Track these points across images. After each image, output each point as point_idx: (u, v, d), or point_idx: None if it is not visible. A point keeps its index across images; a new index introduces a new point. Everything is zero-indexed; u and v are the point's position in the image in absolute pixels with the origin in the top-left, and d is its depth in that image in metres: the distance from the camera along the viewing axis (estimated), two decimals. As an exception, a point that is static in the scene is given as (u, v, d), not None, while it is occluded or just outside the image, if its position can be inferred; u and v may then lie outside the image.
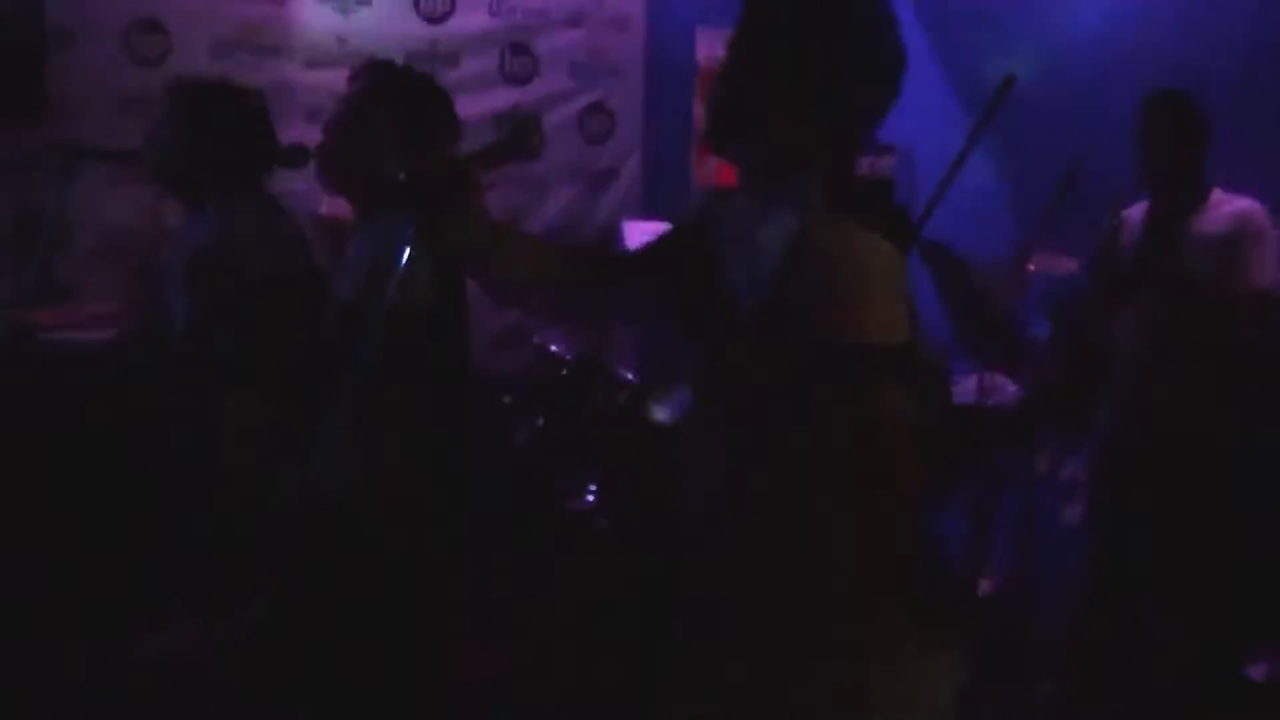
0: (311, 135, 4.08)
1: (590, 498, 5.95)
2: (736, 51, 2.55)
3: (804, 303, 2.39)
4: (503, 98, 7.61)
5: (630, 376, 5.84)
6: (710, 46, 7.98)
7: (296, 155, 4.18)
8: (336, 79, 4.14)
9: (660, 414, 5.56)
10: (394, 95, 3.94)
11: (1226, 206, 5.07)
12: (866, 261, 2.41)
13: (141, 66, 6.67)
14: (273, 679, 4.03)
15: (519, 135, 2.62)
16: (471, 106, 7.00)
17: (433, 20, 7.45)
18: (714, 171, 8.01)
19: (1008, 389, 5.58)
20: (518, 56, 7.70)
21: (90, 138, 5.54)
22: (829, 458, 2.43)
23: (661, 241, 2.89)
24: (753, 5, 2.56)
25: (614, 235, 7.05)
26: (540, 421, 5.81)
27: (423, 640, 3.94)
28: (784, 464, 2.47)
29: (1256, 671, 4.99)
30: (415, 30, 7.41)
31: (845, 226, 2.43)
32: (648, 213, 7.48)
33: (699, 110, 8.05)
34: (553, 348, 6.23)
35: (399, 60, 4.25)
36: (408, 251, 2.51)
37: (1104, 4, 6.94)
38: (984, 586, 5.78)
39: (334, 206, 4.97)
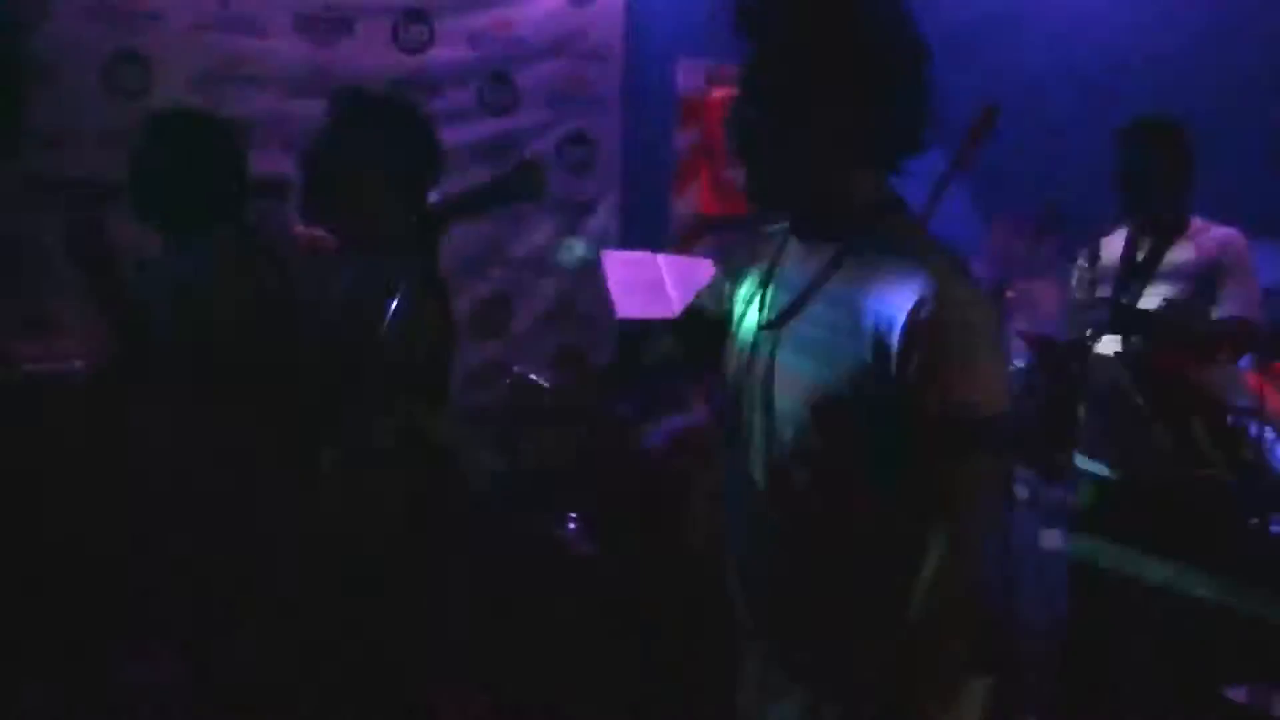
0: (289, 166, 4.08)
1: (571, 526, 5.95)
2: (769, 101, 2.49)
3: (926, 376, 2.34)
4: (483, 128, 7.61)
5: (612, 405, 5.84)
6: (691, 77, 8.00)
7: (274, 187, 4.17)
8: (317, 109, 4.12)
9: None
10: (373, 124, 3.93)
11: (1206, 235, 5.08)
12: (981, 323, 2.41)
13: (121, 99, 6.67)
14: (254, 714, 4.02)
15: (523, 179, 2.59)
16: (452, 137, 7.01)
17: (412, 51, 7.44)
18: (694, 201, 8.02)
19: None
20: (497, 87, 7.70)
21: (71, 170, 5.54)
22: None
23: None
24: (777, 47, 2.49)
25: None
26: (520, 451, 5.81)
27: (410, 681, 3.93)
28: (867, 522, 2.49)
29: (1237, 694, 4.98)
30: (395, 61, 7.40)
31: (962, 285, 2.40)
32: (627, 243, 7.47)
33: (679, 140, 8.07)
34: (532, 377, 6.24)
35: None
36: (407, 295, 2.47)
37: (1088, 32, 6.98)
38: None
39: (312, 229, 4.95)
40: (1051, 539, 5.59)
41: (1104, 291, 5.24)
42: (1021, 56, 7.14)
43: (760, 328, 2.62)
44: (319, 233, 4.44)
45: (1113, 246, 5.31)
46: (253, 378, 4.04)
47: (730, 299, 2.81)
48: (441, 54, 7.55)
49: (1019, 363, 5.40)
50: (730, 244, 2.78)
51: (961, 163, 4.16)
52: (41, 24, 6.38)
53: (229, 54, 7.01)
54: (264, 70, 7.08)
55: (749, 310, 2.69)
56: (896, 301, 2.34)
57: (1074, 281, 5.41)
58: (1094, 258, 5.33)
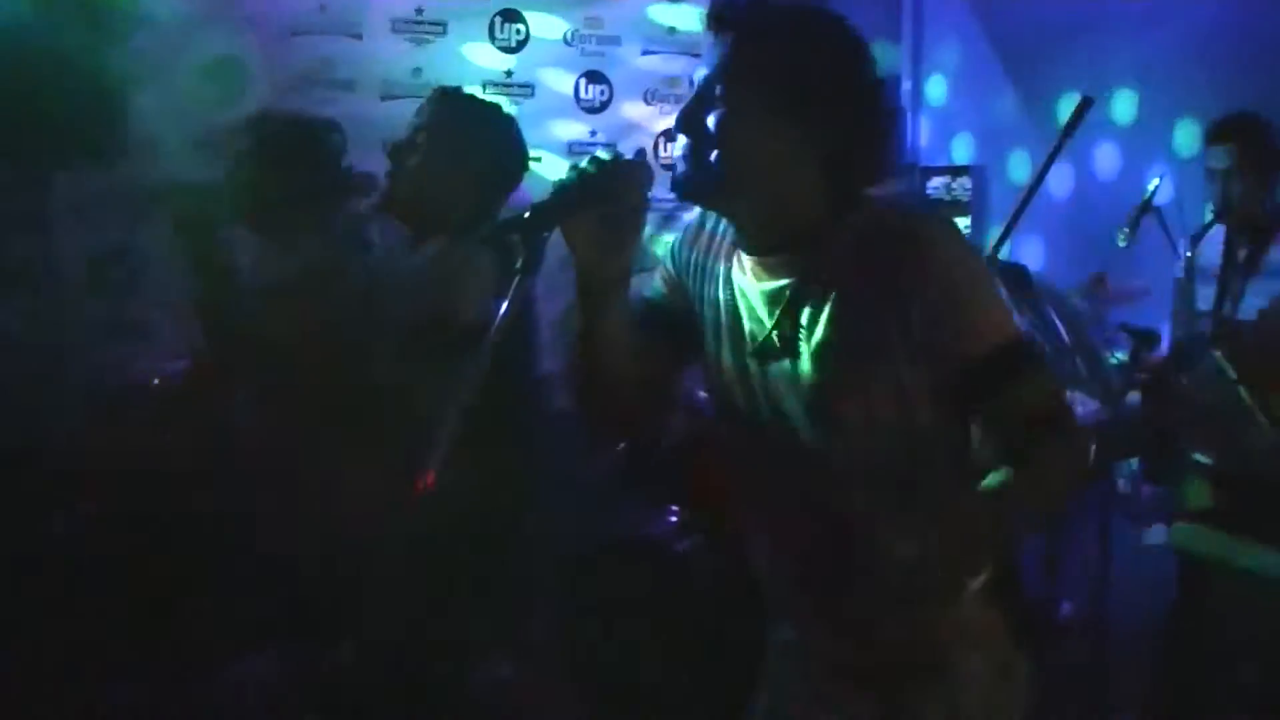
0: (384, 167, 4.10)
1: (672, 519, 5.94)
2: (723, 100, 2.45)
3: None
4: (578, 126, 7.62)
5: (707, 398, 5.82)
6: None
7: (365, 183, 4.18)
8: (411, 111, 4.15)
9: None
10: (461, 124, 3.95)
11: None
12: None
13: (219, 104, 6.72)
14: (355, 714, 4.04)
15: (624, 177, 2.51)
16: (547, 135, 7.03)
17: (508, 50, 7.46)
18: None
19: (1088, 407, 5.53)
20: (593, 84, 7.71)
21: (168, 176, 5.59)
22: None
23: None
24: (736, 48, 2.47)
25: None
26: (621, 447, 5.79)
27: (511, 675, 3.95)
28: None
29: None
30: (490, 60, 7.42)
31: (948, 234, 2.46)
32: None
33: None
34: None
35: (473, 92, 4.26)
36: (505, 304, 2.43)
37: (1181, 25, 6.90)
38: (1063, 610, 5.73)
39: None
40: (1153, 535, 5.52)
41: (1204, 296, 5.18)
42: (1110, 53, 7.07)
43: (752, 355, 2.60)
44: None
45: (1211, 247, 5.24)
46: (344, 377, 4.07)
47: (689, 298, 2.75)
48: (537, 52, 7.55)
49: (1120, 355, 5.34)
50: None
51: (1056, 155, 4.13)
52: (139, 30, 6.43)
53: (325, 56, 7.05)
54: (359, 73, 7.12)
55: (721, 335, 2.66)
56: (891, 280, 2.38)
57: (1173, 288, 5.33)
58: (1190, 269, 5.25)
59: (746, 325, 2.59)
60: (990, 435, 2.47)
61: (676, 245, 2.78)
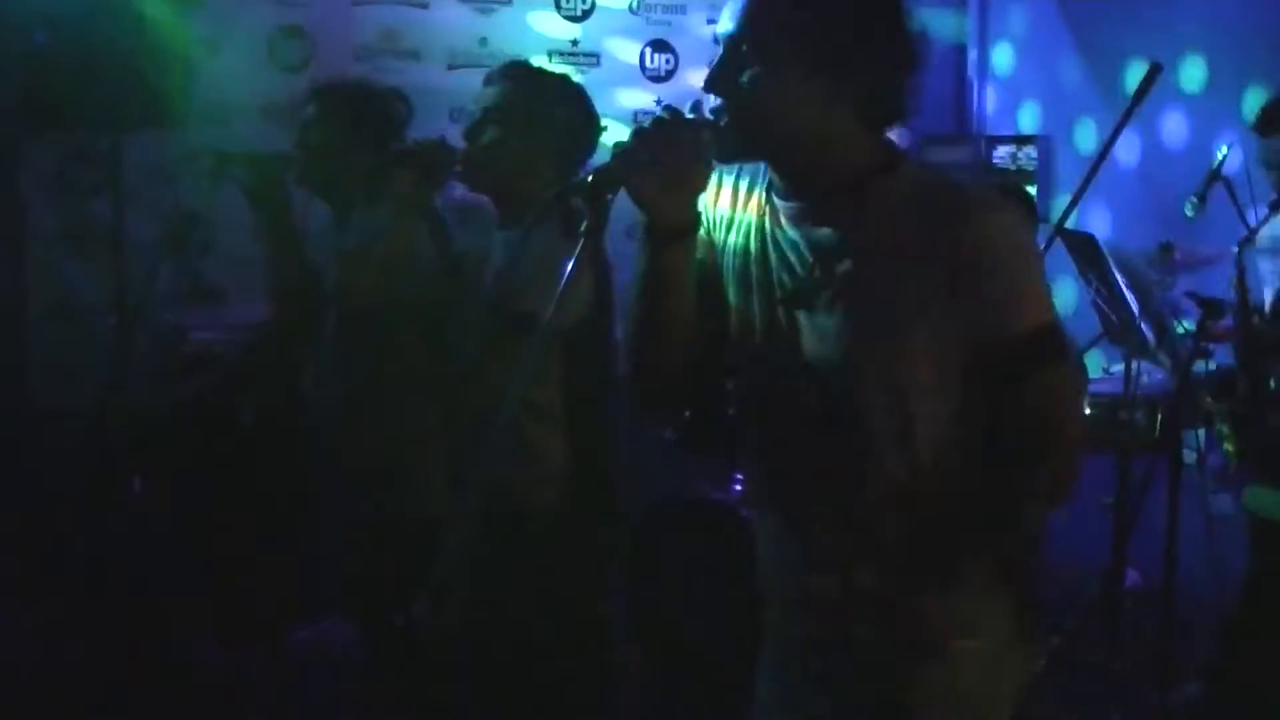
0: (455, 137, 4.11)
1: (738, 488, 5.95)
2: (749, 56, 2.43)
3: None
4: (644, 95, 7.62)
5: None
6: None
7: (444, 154, 4.18)
8: (478, 80, 4.15)
9: None
10: (531, 95, 3.96)
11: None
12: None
13: (284, 72, 6.77)
14: (426, 680, 4.08)
15: (686, 135, 2.52)
16: (613, 104, 7.03)
17: (574, 19, 7.48)
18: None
19: (1156, 376, 5.51)
20: (659, 53, 7.71)
21: (235, 143, 5.63)
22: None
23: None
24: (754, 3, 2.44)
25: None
26: (687, 413, 5.80)
27: (586, 642, 3.97)
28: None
29: None
30: (556, 29, 7.45)
31: (1002, 208, 2.45)
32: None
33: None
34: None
35: (539, 61, 4.27)
36: (570, 265, 2.45)
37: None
38: (1130, 578, 5.71)
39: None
40: (1220, 504, 5.49)
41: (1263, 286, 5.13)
42: (1179, 20, 7.01)
43: (783, 301, 2.55)
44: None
45: (1271, 231, 5.19)
46: (416, 341, 4.10)
47: (719, 254, 2.71)
48: (603, 20, 7.60)
49: (1188, 323, 5.31)
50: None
51: (1125, 123, 4.11)
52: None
53: (390, 26, 7.09)
54: (425, 42, 7.15)
55: (751, 277, 2.61)
56: (945, 239, 2.37)
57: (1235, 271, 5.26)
58: (1241, 268, 5.18)
59: (776, 274, 2.55)
60: (996, 430, 2.46)
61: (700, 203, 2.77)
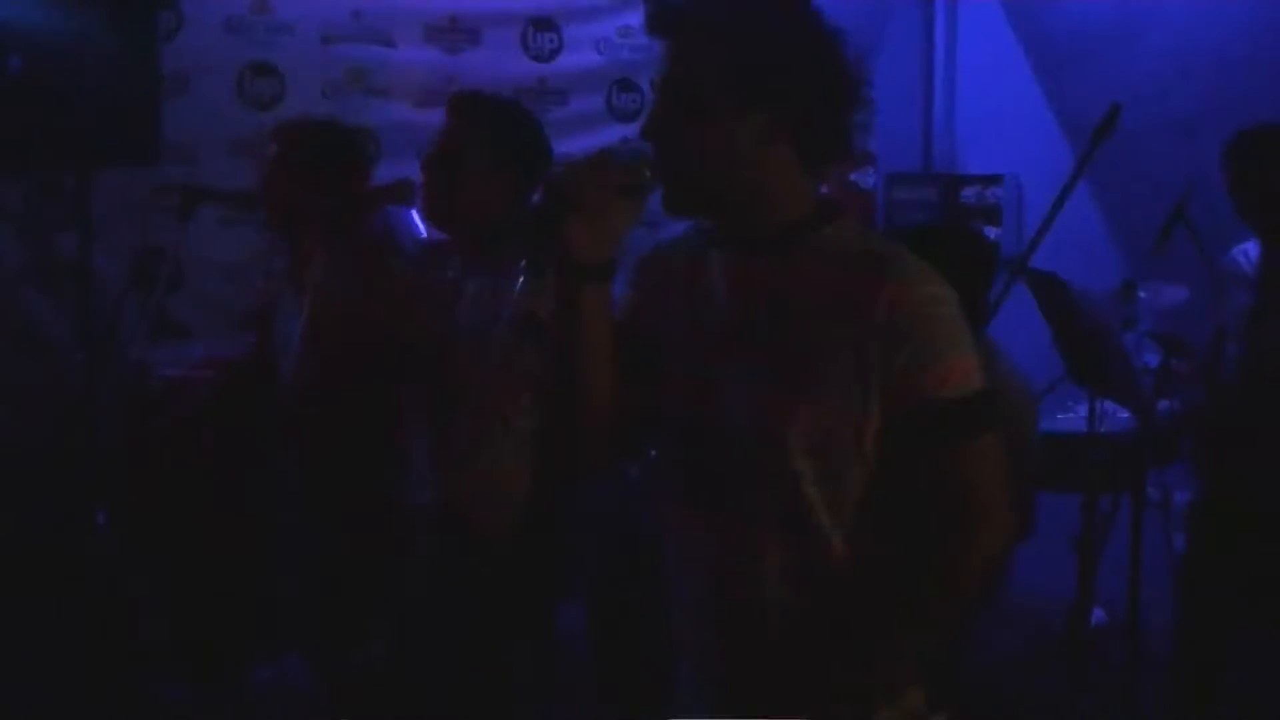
0: (418, 173, 4.13)
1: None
2: (680, 99, 2.45)
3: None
4: (611, 134, 7.61)
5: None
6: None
7: (402, 191, 4.20)
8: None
9: None
10: (486, 129, 3.98)
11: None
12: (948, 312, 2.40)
13: (254, 109, 6.78)
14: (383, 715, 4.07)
15: (630, 174, 2.53)
16: (580, 144, 7.04)
17: (541, 59, 7.50)
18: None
19: (1119, 416, 5.53)
20: (625, 93, 7.72)
21: (204, 179, 5.64)
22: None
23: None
24: (684, 45, 2.46)
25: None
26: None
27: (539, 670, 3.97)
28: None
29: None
30: (524, 69, 7.46)
31: (929, 275, 2.40)
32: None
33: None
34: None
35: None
36: (521, 282, 2.46)
37: (1210, 33, 6.91)
38: (1096, 616, 5.72)
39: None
40: (1182, 541, 5.52)
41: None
42: (1141, 61, 7.07)
43: (704, 351, 2.53)
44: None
45: (1249, 255, 5.20)
46: (382, 378, 4.10)
47: (652, 320, 2.67)
48: (570, 61, 7.60)
49: (1149, 362, 5.33)
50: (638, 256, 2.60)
51: (1086, 162, 4.14)
52: (176, 35, 6.49)
53: (359, 64, 7.09)
54: (394, 80, 7.16)
55: (680, 332, 2.59)
56: (863, 303, 2.33)
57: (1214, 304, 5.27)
58: (1227, 273, 5.20)
59: (708, 326, 2.53)
60: (921, 498, 2.41)
61: (634, 272, 2.73)
